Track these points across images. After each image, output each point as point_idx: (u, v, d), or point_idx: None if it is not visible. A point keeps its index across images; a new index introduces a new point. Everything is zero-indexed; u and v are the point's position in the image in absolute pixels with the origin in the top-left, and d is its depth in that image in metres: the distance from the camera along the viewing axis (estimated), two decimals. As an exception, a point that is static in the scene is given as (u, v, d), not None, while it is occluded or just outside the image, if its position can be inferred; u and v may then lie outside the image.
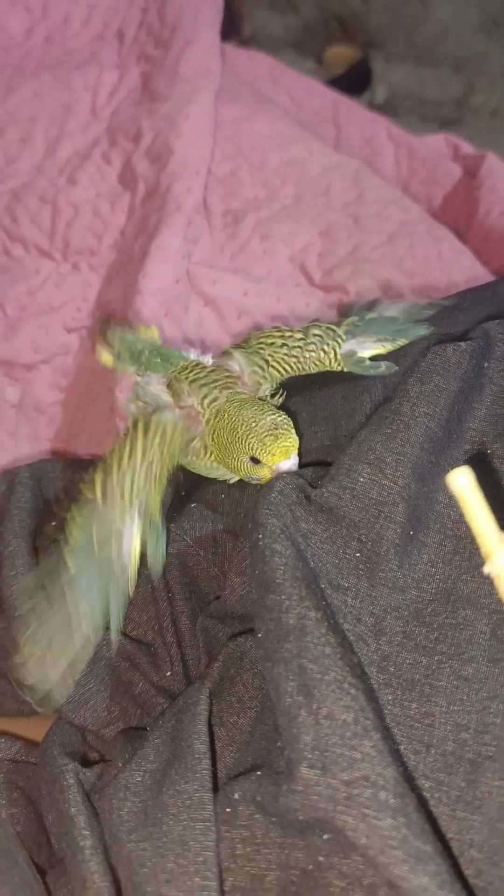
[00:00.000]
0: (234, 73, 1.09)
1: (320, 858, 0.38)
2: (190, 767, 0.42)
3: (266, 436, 0.50)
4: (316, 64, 2.26)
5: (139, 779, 0.43)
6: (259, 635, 0.43)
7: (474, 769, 0.39)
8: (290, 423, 0.51)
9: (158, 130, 0.90)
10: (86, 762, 0.49)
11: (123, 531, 0.48)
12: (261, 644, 0.43)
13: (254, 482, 0.53)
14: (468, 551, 0.46)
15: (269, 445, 0.50)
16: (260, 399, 0.55)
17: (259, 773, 0.40)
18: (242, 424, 0.51)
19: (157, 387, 0.56)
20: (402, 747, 0.40)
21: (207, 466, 0.56)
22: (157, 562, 0.50)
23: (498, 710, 0.41)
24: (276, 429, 0.50)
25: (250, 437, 0.50)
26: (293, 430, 0.51)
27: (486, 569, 0.37)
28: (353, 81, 2.07)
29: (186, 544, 0.55)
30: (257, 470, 0.51)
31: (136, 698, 0.53)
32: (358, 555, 0.46)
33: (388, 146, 1.13)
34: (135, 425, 0.53)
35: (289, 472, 0.50)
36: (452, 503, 0.49)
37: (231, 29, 2.08)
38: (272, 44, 2.31)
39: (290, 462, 0.51)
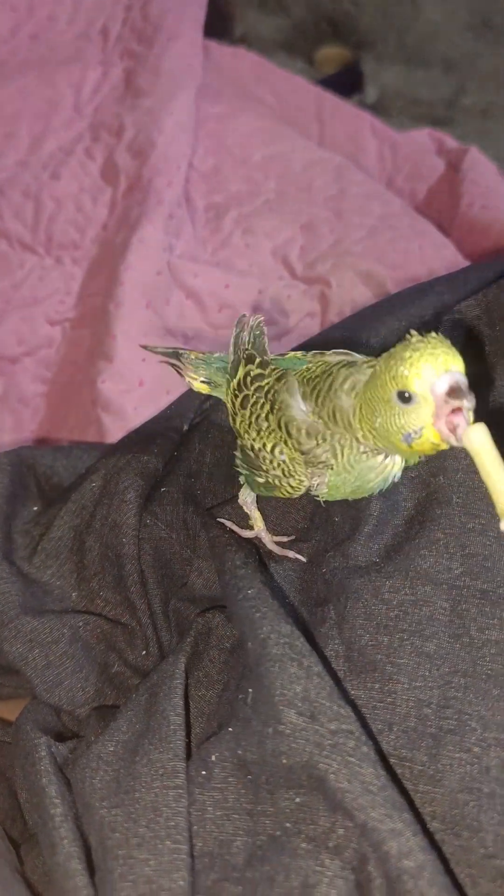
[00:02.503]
0: (219, 70, 1.09)
1: (287, 825, 0.39)
2: (164, 738, 0.42)
3: (400, 351, 0.38)
4: (306, 64, 2.27)
5: (112, 749, 0.43)
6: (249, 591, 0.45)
7: (436, 743, 0.40)
8: (442, 337, 0.39)
9: (140, 125, 0.91)
10: (60, 739, 0.49)
11: None
12: (246, 600, 0.44)
13: (416, 442, 0.39)
14: (426, 527, 0.47)
15: (410, 355, 0.37)
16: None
17: (230, 729, 0.41)
18: (381, 361, 0.40)
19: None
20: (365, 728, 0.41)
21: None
22: None
23: (459, 685, 0.41)
24: (421, 341, 0.38)
25: (387, 364, 0.39)
26: (446, 342, 0.38)
27: (503, 525, 0.37)
28: (344, 83, 2.08)
29: (159, 529, 0.55)
30: (413, 416, 0.38)
31: (111, 679, 0.53)
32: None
33: (372, 142, 1.14)
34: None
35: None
36: (412, 481, 0.50)
37: (222, 30, 2.09)
38: (263, 44, 2.32)
39: (448, 378, 0.37)
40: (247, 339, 0.50)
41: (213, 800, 0.40)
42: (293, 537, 0.53)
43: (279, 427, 0.45)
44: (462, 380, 0.37)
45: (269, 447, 0.46)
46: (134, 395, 0.78)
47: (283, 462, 0.45)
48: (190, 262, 0.87)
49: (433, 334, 0.38)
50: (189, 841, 0.39)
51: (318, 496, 0.47)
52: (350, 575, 0.47)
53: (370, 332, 0.61)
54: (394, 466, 0.43)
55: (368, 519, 0.49)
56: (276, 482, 0.46)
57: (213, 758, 0.41)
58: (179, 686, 0.45)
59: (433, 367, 0.37)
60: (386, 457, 0.43)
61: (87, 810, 0.42)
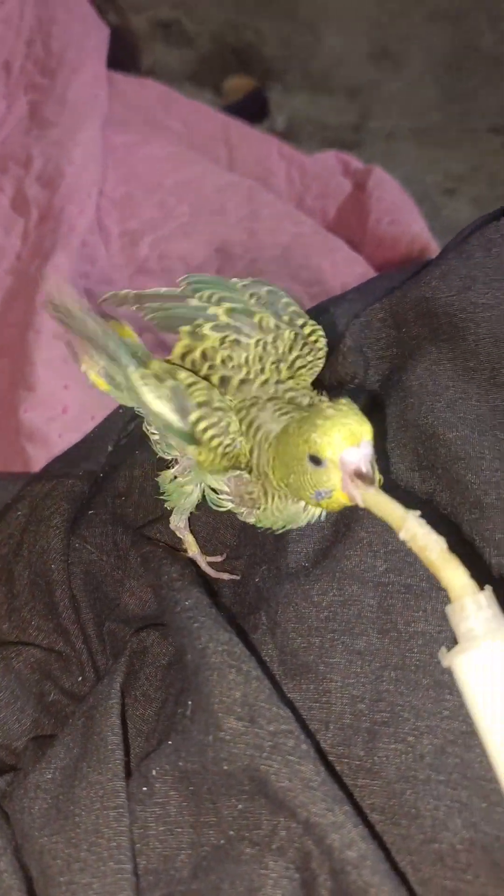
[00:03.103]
0: (126, 100, 1.11)
1: (231, 832, 0.39)
2: (102, 759, 0.42)
3: (315, 417, 0.39)
4: (214, 94, 2.32)
5: (49, 776, 0.43)
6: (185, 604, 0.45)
7: (371, 737, 0.40)
8: (352, 405, 0.40)
9: (49, 156, 0.92)
10: (-4, 773, 0.48)
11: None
12: (184, 611, 0.44)
13: (325, 501, 0.41)
14: (349, 526, 0.48)
15: (324, 424, 0.39)
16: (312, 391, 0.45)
17: (170, 742, 0.41)
18: (294, 423, 0.41)
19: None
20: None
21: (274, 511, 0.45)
22: None
23: (390, 678, 0.42)
24: (332, 408, 0.39)
25: (301, 428, 0.40)
26: (356, 410, 0.39)
27: (402, 536, 0.38)
28: (250, 109, 2.13)
29: (88, 552, 0.55)
30: (323, 478, 0.40)
31: (48, 708, 0.53)
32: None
33: (281, 164, 1.17)
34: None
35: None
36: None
37: (129, 63, 2.12)
38: (171, 76, 2.36)
39: (359, 452, 0.39)
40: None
41: (154, 815, 0.40)
42: (224, 556, 0.53)
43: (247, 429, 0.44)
44: (369, 456, 0.39)
45: (234, 428, 0.44)
46: (58, 422, 0.77)
47: (227, 445, 0.44)
48: (106, 286, 0.87)
49: (343, 401, 0.40)
50: (133, 860, 0.39)
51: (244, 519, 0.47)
52: (280, 581, 0.48)
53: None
54: (318, 511, 0.44)
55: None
56: (202, 456, 0.45)
57: (154, 772, 0.41)
58: (116, 706, 0.45)
59: (343, 439, 0.38)
60: (309, 507, 0.44)
61: (26, 841, 0.41)
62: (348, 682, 0.43)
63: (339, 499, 0.40)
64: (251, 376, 0.46)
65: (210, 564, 0.52)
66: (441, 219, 2.09)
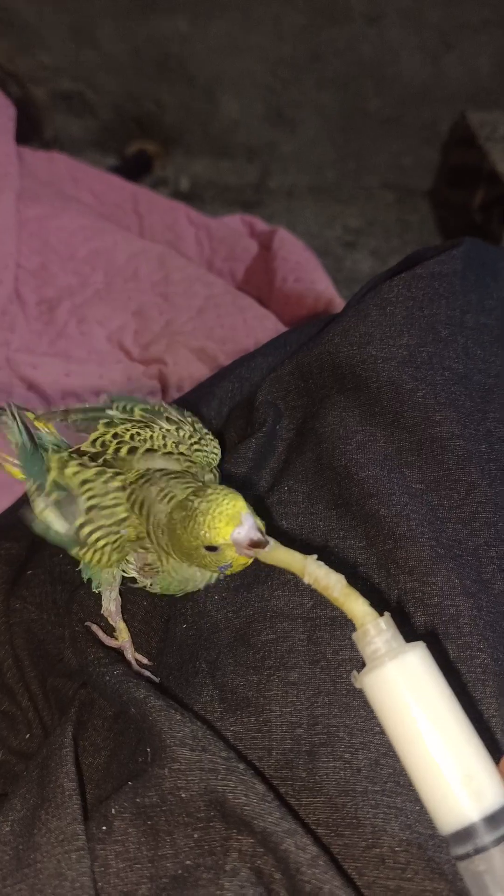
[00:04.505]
0: (35, 174, 1.15)
1: (188, 862, 0.41)
2: (60, 804, 0.44)
3: (196, 516, 0.44)
4: (118, 160, 2.40)
5: (8, 829, 0.44)
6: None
7: (311, 758, 0.44)
8: (221, 488, 0.45)
9: (-36, 231, 0.95)
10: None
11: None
12: (115, 678, 0.47)
13: (229, 570, 0.46)
14: (275, 569, 0.52)
15: (207, 521, 0.43)
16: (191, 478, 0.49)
17: (130, 783, 0.43)
18: (179, 524, 0.45)
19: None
20: (247, 757, 0.45)
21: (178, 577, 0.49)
22: None
23: (324, 703, 0.46)
24: (203, 503, 0.44)
25: (187, 529, 0.44)
26: (226, 491, 0.44)
27: (306, 580, 0.42)
28: (135, 167, 2.22)
29: (28, 611, 0.57)
30: (223, 556, 0.44)
31: None
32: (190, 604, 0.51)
33: (189, 229, 1.23)
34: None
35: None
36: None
37: (32, 134, 2.17)
38: (74, 144, 2.43)
39: (243, 529, 0.43)
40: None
41: (114, 853, 0.42)
42: (153, 662, 0.54)
43: (132, 505, 0.48)
44: (253, 525, 0.44)
45: (120, 512, 0.49)
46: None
47: (119, 539, 0.48)
48: (27, 354, 0.90)
49: (213, 489, 0.45)
50: None
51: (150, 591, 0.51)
52: (213, 630, 0.51)
53: (204, 401, 0.66)
54: (214, 574, 0.49)
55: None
56: (97, 542, 0.49)
57: (113, 811, 0.43)
58: (69, 753, 0.47)
59: (227, 524, 0.43)
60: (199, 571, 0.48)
61: (-10, 893, 0.42)
62: (286, 710, 0.46)
63: (241, 562, 0.45)
64: (156, 447, 0.51)
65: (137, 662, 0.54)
66: (344, 270, 2.20)
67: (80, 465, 0.50)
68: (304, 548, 0.52)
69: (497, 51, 2.35)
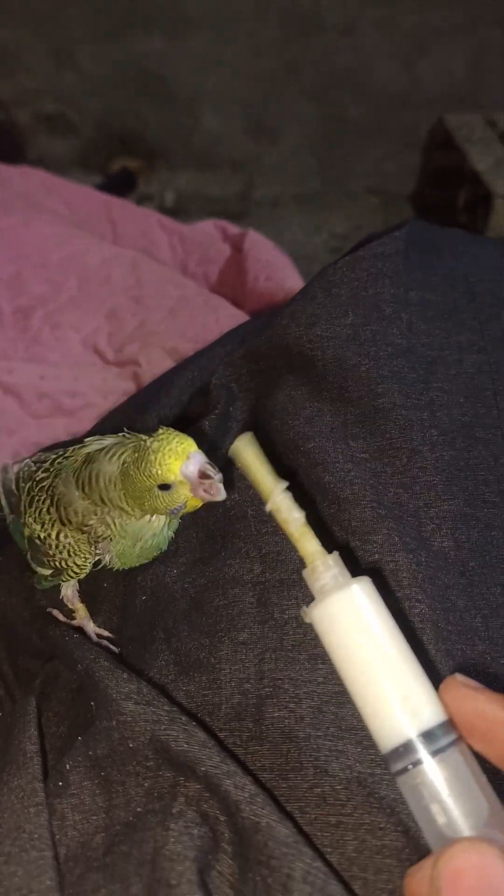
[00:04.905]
0: (9, 187, 1.18)
1: (138, 809, 0.43)
2: (21, 765, 0.46)
3: (148, 455, 0.46)
4: (103, 178, 2.44)
5: None
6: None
7: (258, 710, 0.46)
8: (168, 430, 0.48)
9: None
10: None
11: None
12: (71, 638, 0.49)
13: (182, 511, 0.49)
14: (228, 540, 0.54)
15: (158, 458, 0.46)
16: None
17: (80, 738, 0.45)
18: (131, 466, 0.48)
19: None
20: (198, 713, 0.47)
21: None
22: None
23: (270, 658, 0.48)
24: (154, 442, 0.47)
25: (140, 469, 0.47)
26: (173, 432, 0.47)
27: (268, 507, 0.44)
28: (119, 184, 2.26)
29: (-1, 595, 0.60)
30: (175, 495, 0.47)
31: None
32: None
33: (163, 236, 1.26)
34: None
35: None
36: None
37: (14, 154, 2.22)
38: (58, 163, 2.48)
39: (193, 462, 0.46)
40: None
41: (71, 805, 0.44)
42: (113, 636, 0.57)
43: (60, 518, 0.53)
44: (203, 460, 0.47)
45: (54, 535, 0.53)
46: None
47: (69, 544, 0.53)
48: (3, 360, 0.93)
49: (161, 430, 0.48)
50: (53, 848, 0.43)
51: (112, 567, 0.54)
52: (170, 600, 0.53)
53: (165, 391, 0.69)
54: (158, 521, 0.52)
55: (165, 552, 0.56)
56: (63, 564, 0.54)
57: (67, 766, 0.45)
58: (32, 720, 0.49)
59: (176, 459, 0.46)
60: (151, 516, 0.51)
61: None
62: (234, 668, 0.48)
63: (194, 504, 0.48)
64: (104, 445, 0.54)
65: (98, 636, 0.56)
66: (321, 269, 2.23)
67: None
68: (256, 522, 0.55)
69: (470, 54, 2.39)
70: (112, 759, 0.44)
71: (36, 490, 0.55)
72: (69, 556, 0.53)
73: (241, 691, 0.47)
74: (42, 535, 0.54)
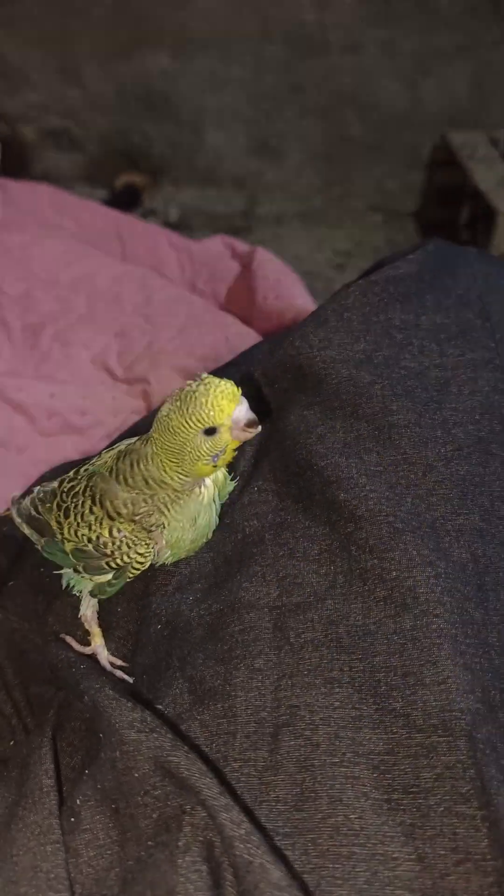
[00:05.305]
0: (18, 204, 1.19)
1: (149, 843, 0.43)
2: (37, 800, 0.45)
3: (198, 398, 0.46)
4: (108, 193, 2.45)
5: None
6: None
7: (274, 739, 0.45)
8: (209, 376, 0.48)
9: None
10: None
11: None
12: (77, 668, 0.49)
13: (221, 458, 0.49)
14: (244, 563, 0.54)
15: (210, 400, 0.46)
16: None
17: (87, 771, 0.45)
18: (170, 422, 0.48)
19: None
20: (212, 743, 0.46)
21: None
22: None
23: (287, 685, 0.47)
24: (201, 385, 0.47)
25: (187, 414, 0.47)
26: (216, 378, 0.48)
27: None
28: (125, 199, 2.28)
29: (10, 621, 0.59)
30: (218, 441, 0.48)
31: None
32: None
33: (171, 253, 1.26)
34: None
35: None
36: (225, 527, 0.58)
37: (20, 170, 2.23)
38: (64, 178, 2.49)
39: (242, 407, 0.47)
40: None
41: (84, 842, 0.44)
42: (127, 665, 0.57)
43: (108, 513, 0.52)
44: (248, 409, 0.48)
45: (106, 533, 0.52)
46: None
47: (125, 537, 0.52)
48: (12, 378, 0.93)
49: (204, 375, 0.48)
50: (70, 888, 0.42)
51: (164, 562, 0.54)
52: (186, 629, 0.53)
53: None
54: (207, 492, 0.52)
55: (180, 578, 0.56)
56: (124, 559, 0.53)
57: (78, 801, 0.44)
58: (48, 752, 0.48)
59: (231, 402, 0.47)
60: (199, 487, 0.52)
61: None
62: (250, 695, 0.48)
63: (232, 447, 0.49)
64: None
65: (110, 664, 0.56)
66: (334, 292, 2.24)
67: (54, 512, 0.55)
68: (274, 546, 0.55)
69: (472, 73, 2.41)
70: (120, 790, 0.44)
71: (69, 499, 0.54)
72: (128, 547, 0.52)
73: (257, 720, 0.46)
74: (93, 537, 0.52)
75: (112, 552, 0.52)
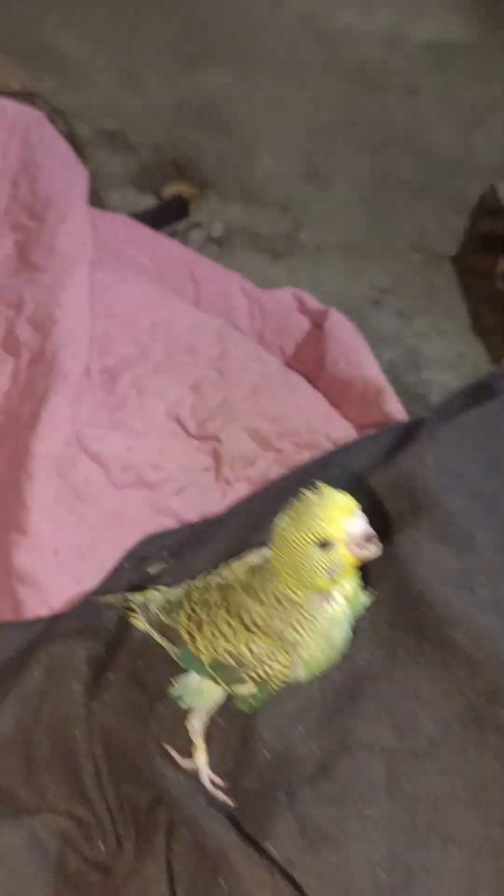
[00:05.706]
0: (98, 236, 1.17)
1: None
2: None
3: (315, 511, 0.46)
4: (155, 198, 2.45)
5: None
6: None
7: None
8: (324, 486, 0.47)
9: (39, 301, 0.97)
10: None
11: None
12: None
13: (337, 574, 0.48)
14: (356, 700, 0.54)
15: (326, 513, 0.45)
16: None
17: None
18: (285, 535, 0.48)
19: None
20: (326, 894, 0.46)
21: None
22: None
23: (402, 841, 0.47)
24: (319, 500, 0.46)
25: (302, 526, 0.46)
26: (331, 489, 0.47)
27: None
28: (172, 211, 2.28)
29: (106, 717, 0.58)
30: (333, 554, 0.47)
31: (70, 879, 0.54)
32: None
33: (243, 300, 1.26)
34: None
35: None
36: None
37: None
38: (113, 180, 2.48)
39: (358, 519, 0.46)
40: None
41: None
42: (227, 786, 0.56)
43: (245, 626, 0.51)
44: (365, 521, 0.47)
45: (243, 646, 0.52)
46: (49, 565, 0.80)
47: (264, 650, 0.51)
48: (92, 427, 0.92)
49: (320, 485, 0.47)
50: None
51: (296, 681, 0.53)
52: (296, 761, 0.52)
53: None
54: (339, 607, 0.51)
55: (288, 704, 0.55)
56: (266, 672, 0.52)
57: None
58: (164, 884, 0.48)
59: (343, 516, 0.46)
60: (328, 602, 0.51)
61: None
62: (364, 847, 0.48)
63: (350, 564, 0.48)
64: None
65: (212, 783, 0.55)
66: (369, 329, 2.24)
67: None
68: (387, 683, 0.55)
69: (524, 128, 2.43)
70: None
71: (201, 611, 0.54)
72: (269, 659, 0.51)
73: (374, 877, 0.46)
74: (230, 650, 0.52)
75: (251, 664, 0.52)
